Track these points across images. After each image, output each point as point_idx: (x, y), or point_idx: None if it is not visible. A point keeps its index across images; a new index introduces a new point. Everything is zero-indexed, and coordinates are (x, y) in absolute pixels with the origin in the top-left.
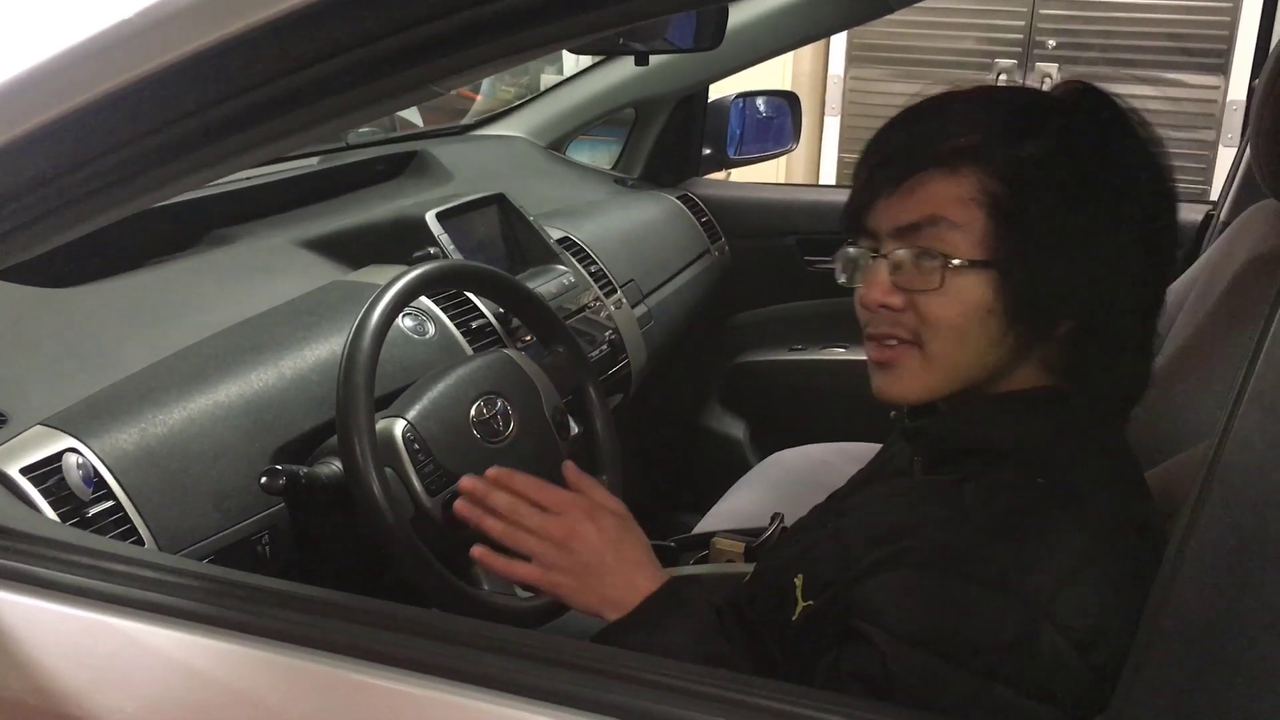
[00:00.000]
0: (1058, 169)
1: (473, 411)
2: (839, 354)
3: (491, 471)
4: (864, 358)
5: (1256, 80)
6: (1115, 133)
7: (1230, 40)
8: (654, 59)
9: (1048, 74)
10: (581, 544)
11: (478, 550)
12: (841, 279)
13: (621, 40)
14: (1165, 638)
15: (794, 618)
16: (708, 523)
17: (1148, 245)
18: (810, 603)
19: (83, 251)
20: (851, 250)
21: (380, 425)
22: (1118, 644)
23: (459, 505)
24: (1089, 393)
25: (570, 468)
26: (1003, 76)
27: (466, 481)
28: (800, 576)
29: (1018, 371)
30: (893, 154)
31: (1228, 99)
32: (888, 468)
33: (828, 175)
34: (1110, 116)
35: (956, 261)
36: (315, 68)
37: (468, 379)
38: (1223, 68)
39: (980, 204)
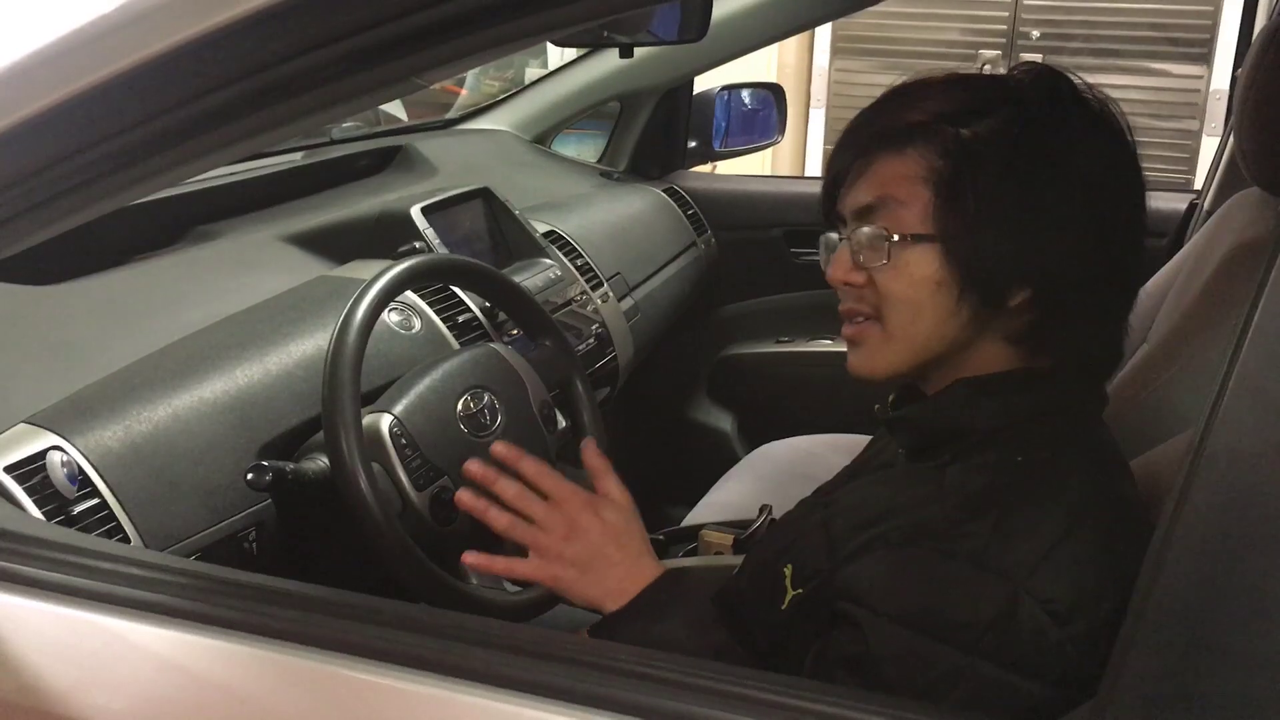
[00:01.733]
0: (1002, 146)
1: (460, 406)
2: (826, 345)
3: (498, 448)
4: None
5: (1240, 69)
6: (1068, 113)
7: (1213, 30)
8: (638, 52)
9: None
10: (584, 536)
11: (471, 557)
12: (821, 262)
13: (605, 33)
14: (1152, 623)
15: (784, 607)
16: (696, 515)
17: (1103, 220)
18: (799, 591)
19: (65, 248)
20: (832, 237)
21: (367, 420)
22: (1097, 616)
23: (462, 494)
24: (1057, 365)
25: (590, 448)
26: (986, 68)
27: (474, 467)
28: (789, 566)
29: (985, 347)
30: (848, 138)
31: (1211, 88)
32: (874, 461)
33: (813, 167)
34: (1067, 96)
35: (898, 237)
36: (298, 60)
37: (454, 373)
38: (1206, 57)
39: (925, 180)
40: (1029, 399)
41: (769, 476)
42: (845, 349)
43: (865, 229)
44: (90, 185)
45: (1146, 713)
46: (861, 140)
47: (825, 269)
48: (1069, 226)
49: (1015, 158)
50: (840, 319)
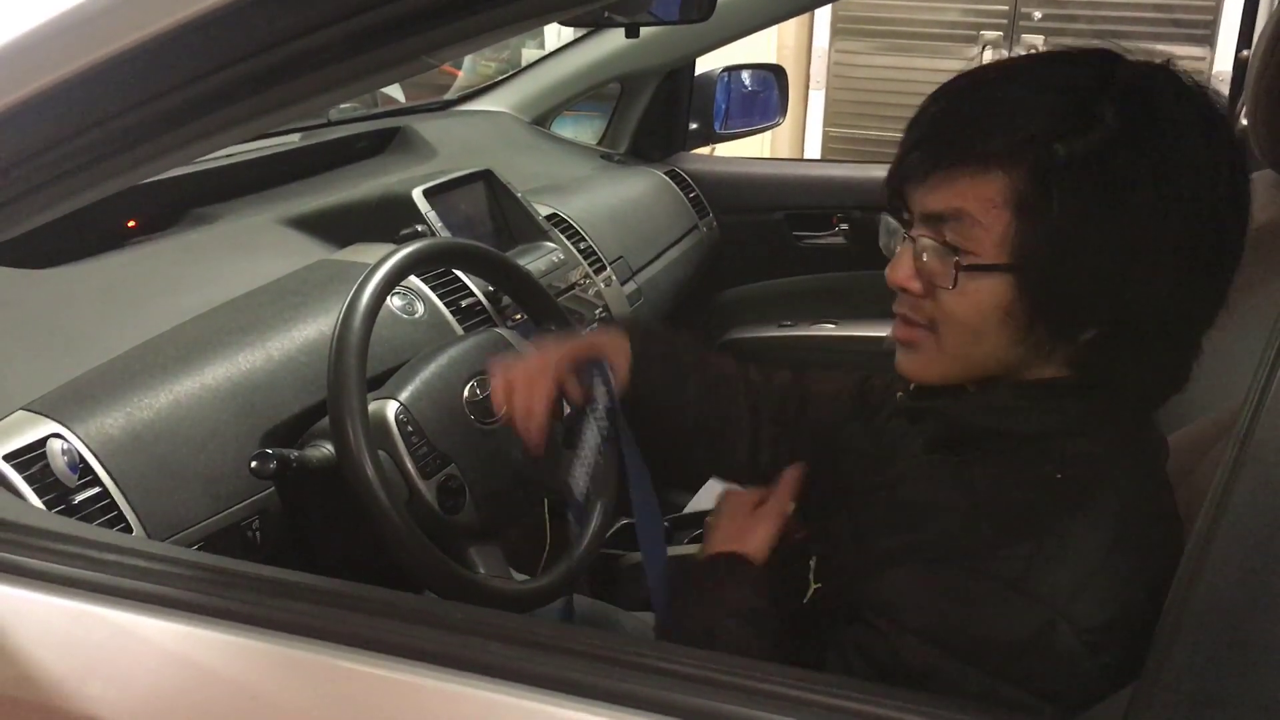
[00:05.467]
0: (1097, 166)
1: (466, 392)
2: (829, 329)
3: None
4: (854, 334)
5: (1244, 51)
6: (1173, 120)
7: (1216, 11)
8: (640, 33)
9: (1033, 46)
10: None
11: None
12: (880, 243)
13: (607, 14)
14: (1194, 618)
15: (805, 600)
16: (700, 500)
17: (1203, 242)
18: (820, 585)
19: (61, 231)
20: (892, 221)
21: (372, 407)
22: (1127, 642)
23: None
24: (1114, 389)
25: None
26: (988, 49)
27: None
28: (814, 559)
29: (1040, 368)
30: (928, 140)
31: (1214, 70)
32: (888, 446)
33: (812, 149)
34: (1172, 97)
35: (970, 262)
36: (305, 39)
37: (460, 359)
38: (1209, 38)
39: (1008, 204)
40: (1076, 409)
41: None
42: (848, 333)
43: (933, 242)
44: (93, 166)
45: (1186, 708)
46: (939, 148)
47: (885, 251)
48: (1166, 254)
49: (1110, 179)
50: (892, 314)
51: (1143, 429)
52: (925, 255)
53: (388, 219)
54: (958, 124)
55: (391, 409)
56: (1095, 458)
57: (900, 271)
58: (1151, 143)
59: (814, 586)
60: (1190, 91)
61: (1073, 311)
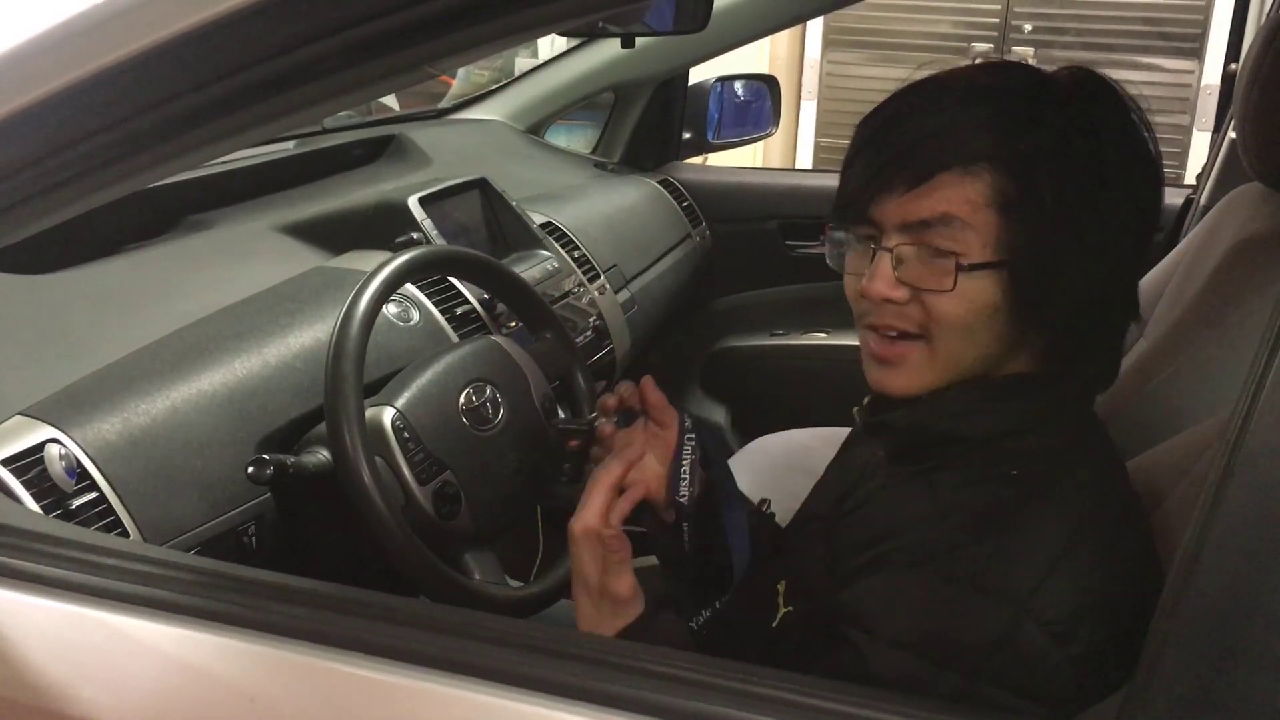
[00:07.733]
0: (1064, 161)
1: (462, 399)
2: (820, 338)
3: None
4: (846, 343)
5: (1232, 65)
6: (1113, 120)
7: (1205, 25)
8: (635, 42)
9: (1024, 58)
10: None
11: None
12: (831, 263)
13: (601, 24)
14: (1186, 624)
15: (774, 624)
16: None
17: (1139, 230)
18: (790, 609)
19: (57, 237)
20: (841, 235)
21: (369, 414)
22: (1096, 633)
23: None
24: (1070, 377)
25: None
26: (979, 61)
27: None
28: (783, 582)
29: (1009, 362)
30: (907, 151)
31: (1202, 83)
32: (853, 465)
33: (804, 159)
34: (1109, 104)
35: (968, 263)
36: (307, 49)
37: (456, 366)
38: (1197, 52)
39: (993, 204)
40: (1027, 405)
41: (763, 470)
42: (839, 342)
43: (923, 249)
44: (94, 173)
45: (1178, 714)
46: (922, 156)
47: (834, 267)
48: (1117, 237)
49: (1073, 171)
50: (864, 328)
51: (1086, 421)
52: (905, 262)
53: (383, 226)
54: (936, 133)
55: (388, 415)
56: (1049, 452)
57: (881, 282)
58: (1096, 133)
59: (784, 610)
60: (1118, 94)
61: (1056, 300)
